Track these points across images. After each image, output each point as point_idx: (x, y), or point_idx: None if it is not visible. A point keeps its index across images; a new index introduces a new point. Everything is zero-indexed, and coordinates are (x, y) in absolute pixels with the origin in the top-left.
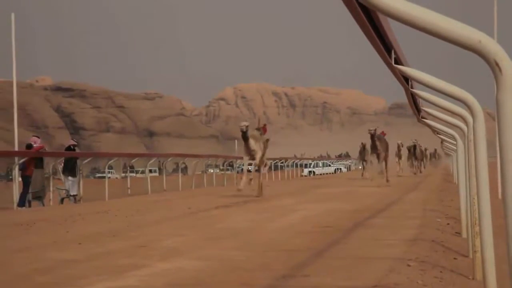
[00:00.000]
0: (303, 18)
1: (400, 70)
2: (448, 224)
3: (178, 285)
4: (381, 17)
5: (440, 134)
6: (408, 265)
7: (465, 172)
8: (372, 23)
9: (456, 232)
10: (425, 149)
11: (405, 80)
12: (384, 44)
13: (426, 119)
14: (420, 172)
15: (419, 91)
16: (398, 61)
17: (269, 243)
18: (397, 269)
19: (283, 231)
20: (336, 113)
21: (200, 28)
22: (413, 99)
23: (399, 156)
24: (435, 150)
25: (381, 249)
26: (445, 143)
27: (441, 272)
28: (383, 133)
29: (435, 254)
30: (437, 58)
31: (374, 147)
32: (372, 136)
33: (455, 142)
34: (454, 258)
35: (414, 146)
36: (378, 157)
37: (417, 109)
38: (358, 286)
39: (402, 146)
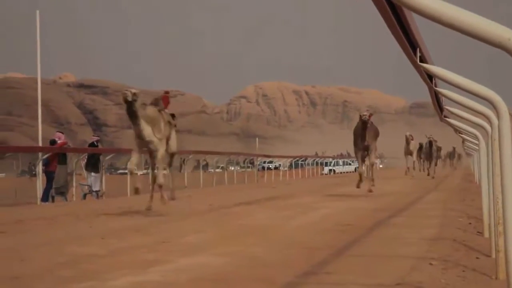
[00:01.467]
0: (325, 17)
1: (425, 68)
2: (469, 223)
3: (200, 280)
4: (408, 15)
5: (462, 134)
6: (431, 264)
7: (487, 172)
8: (398, 21)
9: (478, 232)
10: (439, 148)
11: (429, 78)
12: (409, 42)
13: (449, 118)
14: (428, 174)
15: (443, 90)
16: (423, 59)
17: (290, 240)
18: (420, 267)
19: (304, 228)
20: (357, 111)
21: (222, 26)
22: (437, 98)
23: (407, 151)
24: (454, 148)
25: (403, 247)
26: (466, 142)
27: (463, 271)
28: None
29: (457, 253)
30: (463, 57)
31: (362, 137)
32: (364, 123)
33: (477, 142)
34: (477, 258)
35: (430, 143)
36: (367, 149)
37: (440, 108)
38: (381, 284)
39: (412, 139)
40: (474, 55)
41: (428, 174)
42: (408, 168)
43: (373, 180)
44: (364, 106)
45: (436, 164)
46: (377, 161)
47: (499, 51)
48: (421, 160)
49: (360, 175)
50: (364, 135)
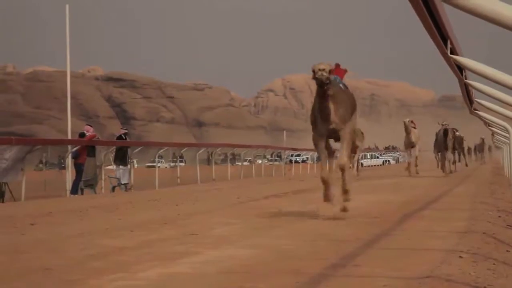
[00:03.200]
0: (354, 10)
1: (455, 60)
2: (499, 216)
3: (230, 272)
4: (439, 7)
5: (491, 126)
6: (460, 257)
7: None
8: (430, 13)
9: (508, 225)
10: (462, 138)
11: (460, 71)
12: (440, 34)
13: (479, 111)
14: (449, 171)
15: (474, 82)
16: (453, 52)
17: (318, 233)
18: (449, 260)
19: (332, 221)
20: (385, 104)
21: (250, 20)
22: (467, 91)
23: (408, 144)
24: (483, 140)
25: (432, 240)
26: (496, 135)
27: (494, 264)
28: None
29: (487, 246)
30: (493, 49)
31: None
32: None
33: (507, 135)
34: (507, 251)
35: (445, 131)
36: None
37: (470, 100)
38: (410, 276)
39: (415, 127)
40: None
41: (444, 170)
42: (409, 163)
43: (346, 192)
44: (392, 99)
45: (458, 160)
46: (359, 158)
47: None
48: (438, 153)
49: (325, 180)
50: (325, 108)
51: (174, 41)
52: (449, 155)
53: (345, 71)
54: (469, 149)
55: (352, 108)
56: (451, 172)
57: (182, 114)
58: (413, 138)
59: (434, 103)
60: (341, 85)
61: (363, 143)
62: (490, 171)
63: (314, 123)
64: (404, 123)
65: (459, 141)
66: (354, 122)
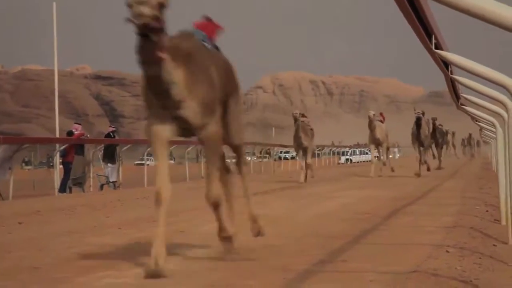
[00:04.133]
0: (343, 6)
1: (440, 55)
2: (487, 211)
3: (218, 269)
4: (423, 1)
5: (479, 122)
6: (447, 251)
7: (504, 159)
8: (413, 8)
9: (495, 220)
10: (446, 131)
11: (445, 66)
12: (425, 29)
13: (466, 106)
14: (428, 168)
15: (459, 77)
16: (438, 47)
17: (306, 229)
18: (436, 255)
19: (321, 217)
20: (374, 101)
21: (237, 16)
22: (453, 86)
23: (372, 140)
24: (470, 134)
25: (419, 235)
26: (484, 130)
27: (480, 258)
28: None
29: (474, 241)
30: (478, 44)
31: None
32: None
33: (494, 130)
34: (493, 245)
35: (418, 120)
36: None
37: (456, 96)
38: (397, 271)
39: (383, 121)
40: (490, 42)
41: (420, 167)
42: (376, 158)
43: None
44: (381, 95)
45: (439, 155)
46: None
47: None
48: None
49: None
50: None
51: None
52: (429, 149)
53: (218, 28)
54: (453, 144)
55: (226, 87)
56: (428, 168)
57: None
58: (378, 134)
59: (423, 99)
60: (206, 45)
61: (312, 142)
62: (479, 166)
63: (147, 102)
64: (369, 117)
65: (440, 133)
66: (236, 111)
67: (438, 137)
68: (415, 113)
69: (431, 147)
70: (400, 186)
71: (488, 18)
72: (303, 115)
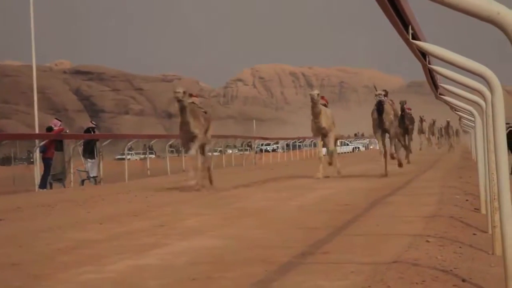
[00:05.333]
0: None
1: (417, 46)
2: (466, 200)
3: (198, 263)
4: None
5: (458, 111)
6: (427, 241)
7: (483, 148)
8: None
9: (475, 208)
10: (421, 118)
11: (423, 56)
12: (401, 20)
13: (444, 95)
14: (399, 164)
15: (436, 67)
16: (415, 37)
17: (288, 221)
18: (416, 245)
19: (302, 209)
20: (354, 92)
21: (217, 9)
22: (431, 76)
23: (316, 130)
24: (448, 122)
25: (400, 225)
26: (463, 120)
27: (460, 247)
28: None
29: (454, 230)
30: (454, 33)
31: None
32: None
33: (473, 119)
34: (473, 234)
35: (379, 103)
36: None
37: (435, 85)
38: (378, 262)
39: (327, 105)
40: (466, 31)
41: (392, 157)
42: (320, 152)
43: None
44: (361, 86)
45: (408, 145)
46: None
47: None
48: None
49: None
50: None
51: (142, 33)
52: (396, 138)
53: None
54: (433, 132)
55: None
56: (399, 163)
57: (151, 106)
58: (323, 122)
59: (403, 89)
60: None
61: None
62: (459, 155)
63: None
64: (311, 97)
65: (410, 119)
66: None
67: (408, 123)
68: (376, 95)
69: (399, 137)
70: (380, 176)
71: (458, 6)
72: (191, 95)
